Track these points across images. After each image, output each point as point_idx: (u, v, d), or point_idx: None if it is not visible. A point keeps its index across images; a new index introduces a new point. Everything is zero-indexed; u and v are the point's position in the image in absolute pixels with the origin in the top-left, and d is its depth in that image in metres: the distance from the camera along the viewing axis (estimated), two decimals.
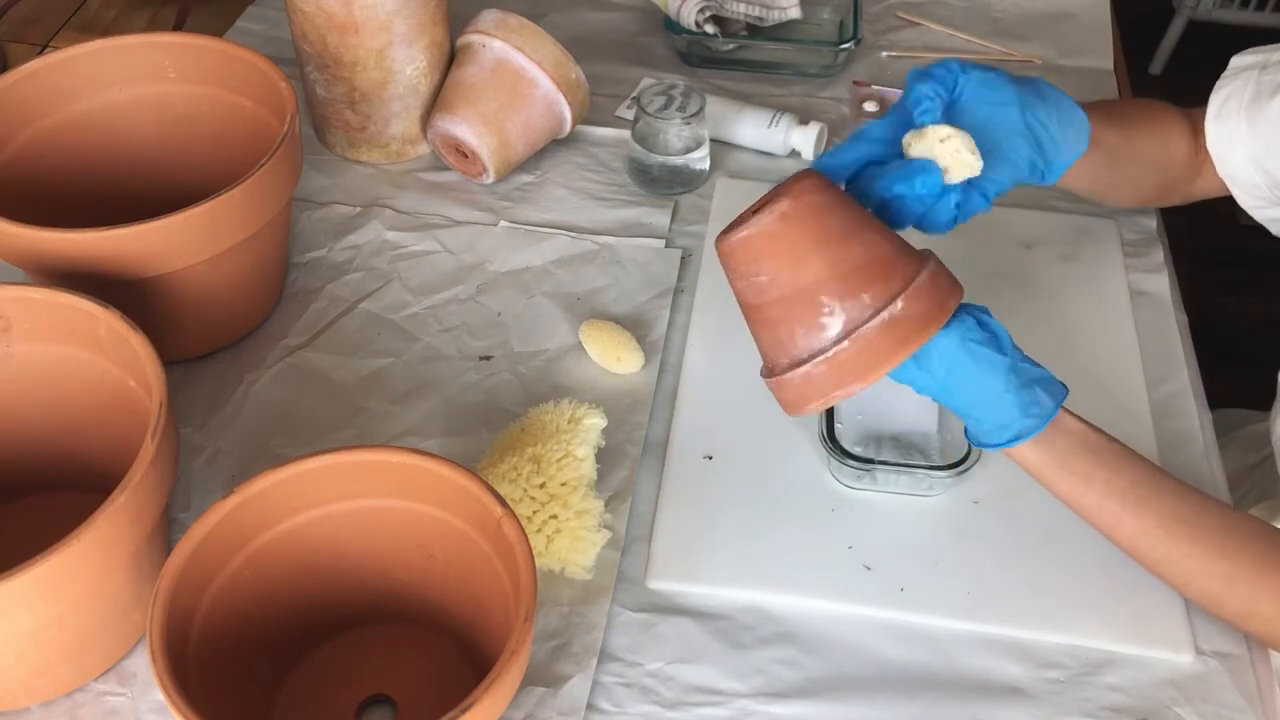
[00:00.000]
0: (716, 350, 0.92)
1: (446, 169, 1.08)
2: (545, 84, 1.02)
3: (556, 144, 1.10)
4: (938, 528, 0.81)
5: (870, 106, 1.13)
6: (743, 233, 0.69)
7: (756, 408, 0.85)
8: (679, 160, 1.04)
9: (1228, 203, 0.92)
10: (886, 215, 0.73)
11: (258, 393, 0.89)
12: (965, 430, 0.73)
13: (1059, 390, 0.71)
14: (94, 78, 0.92)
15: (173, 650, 0.60)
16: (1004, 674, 0.74)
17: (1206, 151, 0.89)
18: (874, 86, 1.16)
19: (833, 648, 0.75)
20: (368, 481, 0.69)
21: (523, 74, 1.02)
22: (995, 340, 0.69)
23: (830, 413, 0.82)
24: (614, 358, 0.89)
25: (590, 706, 0.72)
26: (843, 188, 0.73)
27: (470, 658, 0.71)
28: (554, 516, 0.76)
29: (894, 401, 0.86)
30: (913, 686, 0.73)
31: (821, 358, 0.67)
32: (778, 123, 1.08)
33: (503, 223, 1.03)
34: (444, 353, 0.92)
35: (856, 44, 1.16)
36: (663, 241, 1.01)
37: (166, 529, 0.75)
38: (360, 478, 0.69)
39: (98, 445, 0.78)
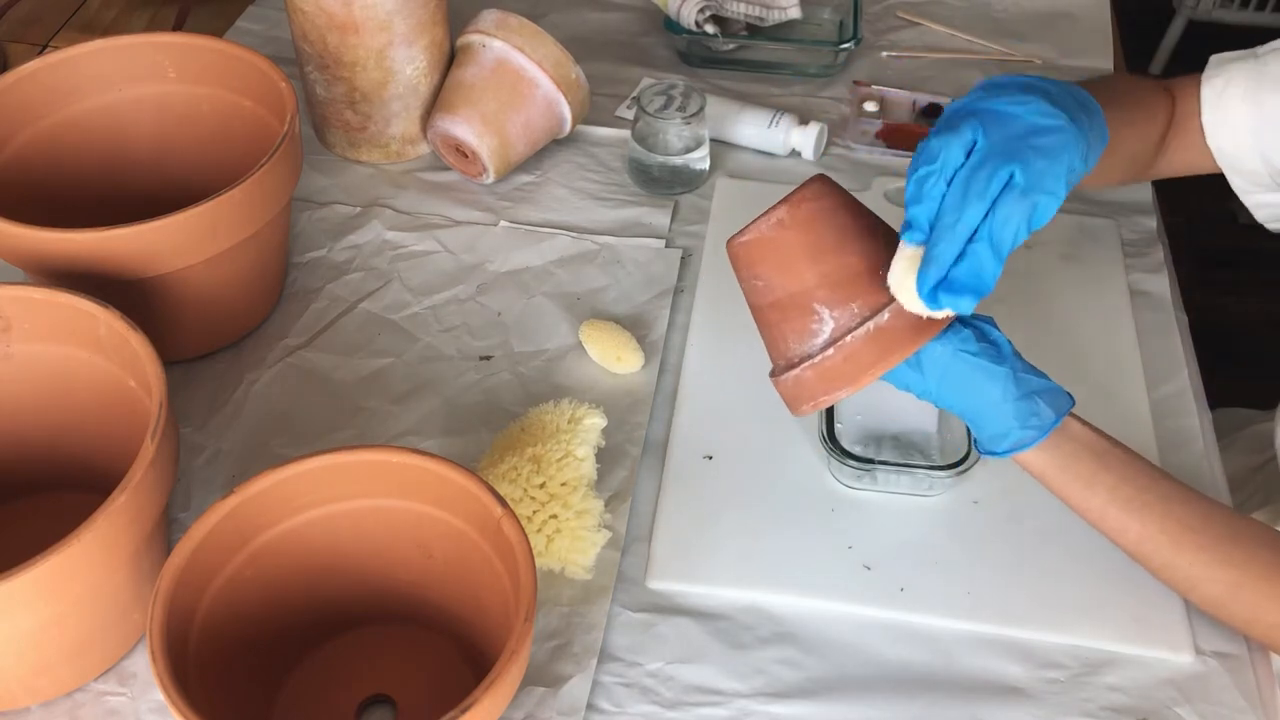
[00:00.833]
0: (716, 350, 0.92)
1: (446, 169, 1.08)
2: (545, 84, 1.02)
3: (556, 144, 1.10)
4: (938, 528, 0.81)
5: (870, 106, 1.13)
6: (743, 237, 0.69)
7: (756, 408, 0.85)
8: (679, 160, 1.04)
9: (1228, 202, 0.92)
10: None
11: (258, 393, 0.89)
12: (973, 439, 0.73)
13: (1063, 402, 0.70)
14: (94, 78, 0.92)
15: (173, 650, 0.60)
16: (1004, 674, 0.74)
17: (1177, 128, 0.87)
18: (874, 86, 1.16)
19: (833, 648, 0.75)
20: (368, 481, 0.69)
21: (523, 74, 1.02)
22: (995, 350, 0.68)
23: (830, 412, 0.82)
24: (614, 358, 0.89)
25: (590, 706, 0.72)
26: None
27: (470, 658, 0.71)
28: (554, 516, 0.76)
29: (894, 401, 0.85)
30: (913, 686, 0.73)
31: (809, 363, 0.68)
32: (778, 123, 1.08)
33: (503, 223, 1.03)
34: (444, 353, 0.92)
35: (856, 44, 1.16)
36: (663, 241, 1.01)
37: (166, 529, 0.75)
38: (360, 478, 0.69)
39: (98, 445, 0.78)
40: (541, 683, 0.72)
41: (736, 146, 1.10)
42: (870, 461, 0.80)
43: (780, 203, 0.68)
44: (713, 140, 1.07)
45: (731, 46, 1.19)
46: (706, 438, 0.86)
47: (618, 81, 1.18)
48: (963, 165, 0.64)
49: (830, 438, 0.81)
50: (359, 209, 1.04)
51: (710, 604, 0.77)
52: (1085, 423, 0.71)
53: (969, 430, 0.79)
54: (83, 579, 0.63)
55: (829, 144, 1.11)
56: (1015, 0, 1.30)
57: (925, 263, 0.63)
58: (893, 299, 0.66)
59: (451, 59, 1.06)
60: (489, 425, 0.86)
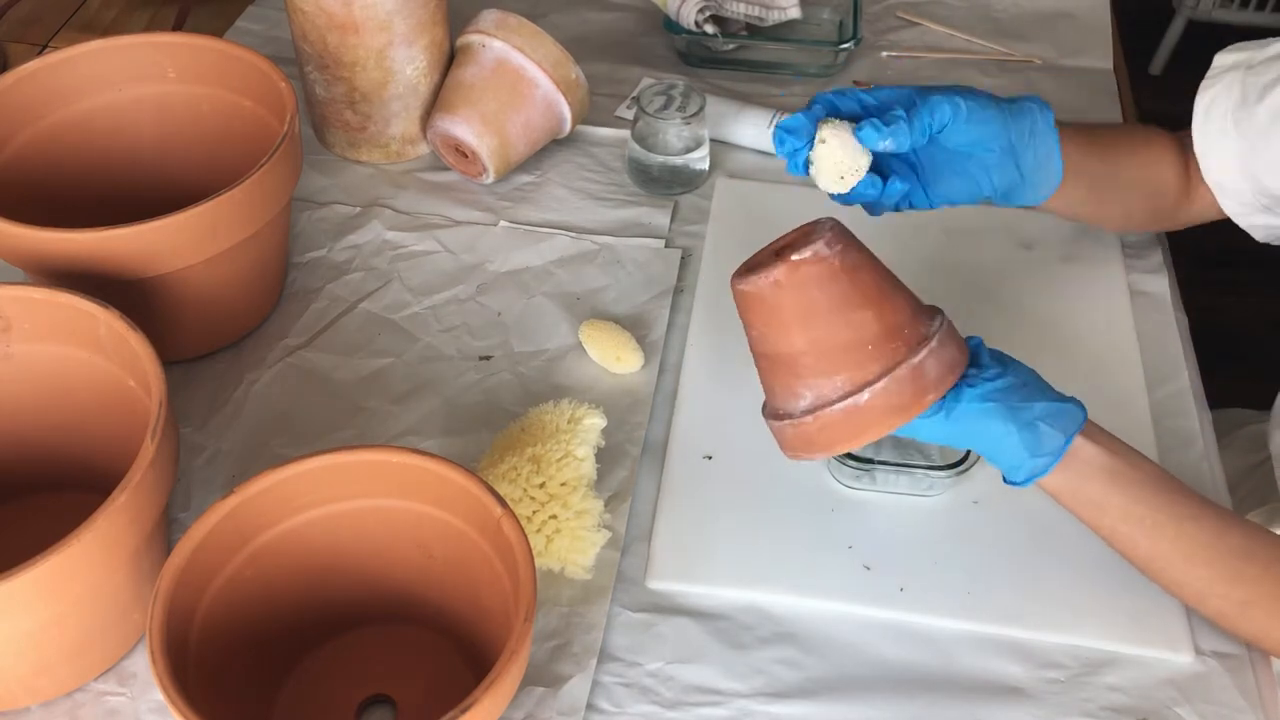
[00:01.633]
0: (716, 350, 0.92)
1: (446, 169, 1.08)
2: (545, 84, 1.02)
3: (556, 144, 1.10)
4: (938, 528, 0.81)
5: None
6: (742, 285, 0.68)
7: (756, 408, 0.85)
8: (679, 160, 1.04)
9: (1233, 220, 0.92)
10: None
11: (258, 393, 0.89)
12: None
13: (1069, 421, 0.69)
14: (94, 78, 0.92)
15: (173, 650, 0.60)
16: (1004, 674, 0.74)
17: (1200, 175, 0.88)
18: (874, 86, 1.16)
19: (833, 648, 0.75)
20: (368, 481, 0.69)
21: (523, 74, 1.02)
22: (991, 391, 0.68)
23: None
24: (614, 358, 0.89)
25: (590, 706, 0.72)
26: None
27: (470, 658, 0.71)
28: (554, 516, 0.76)
29: None
30: (913, 686, 0.73)
31: (789, 422, 0.69)
32: (778, 123, 1.08)
33: (503, 223, 1.03)
34: (444, 353, 0.92)
35: (856, 44, 1.16)
36: (662, 241, 1.01)
37: (166, 529, 0.76)
38: (360, 478, 0.69)
39: (98, 445, 0.78)
40: (541, 683, 0.72)
41: (736, 146, 1.10)
42: (870, 461, 0.80)
43: (780, 260, 0.67)
44: (713, 140, 1.07)
45: (731, 46, 1.19)
46: (706, 438, 0.86)
47: (618, 81, 1.18)
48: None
49: None
50: (359, 209, 1.04)
51: (710, 604, 0.77)
52: (1099, 439, 0.70)
53: None
54: (83, 579, 0.63)
55: None
56: (1015, 0, 1.30)
57: (861, 126, 0.73)
58: (877, 377, 0.66)
59: (451, 59, 1.06)
60: (489, 425, 0.86)
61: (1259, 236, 0.90)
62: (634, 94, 1.15)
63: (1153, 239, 1.02)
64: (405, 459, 0.67)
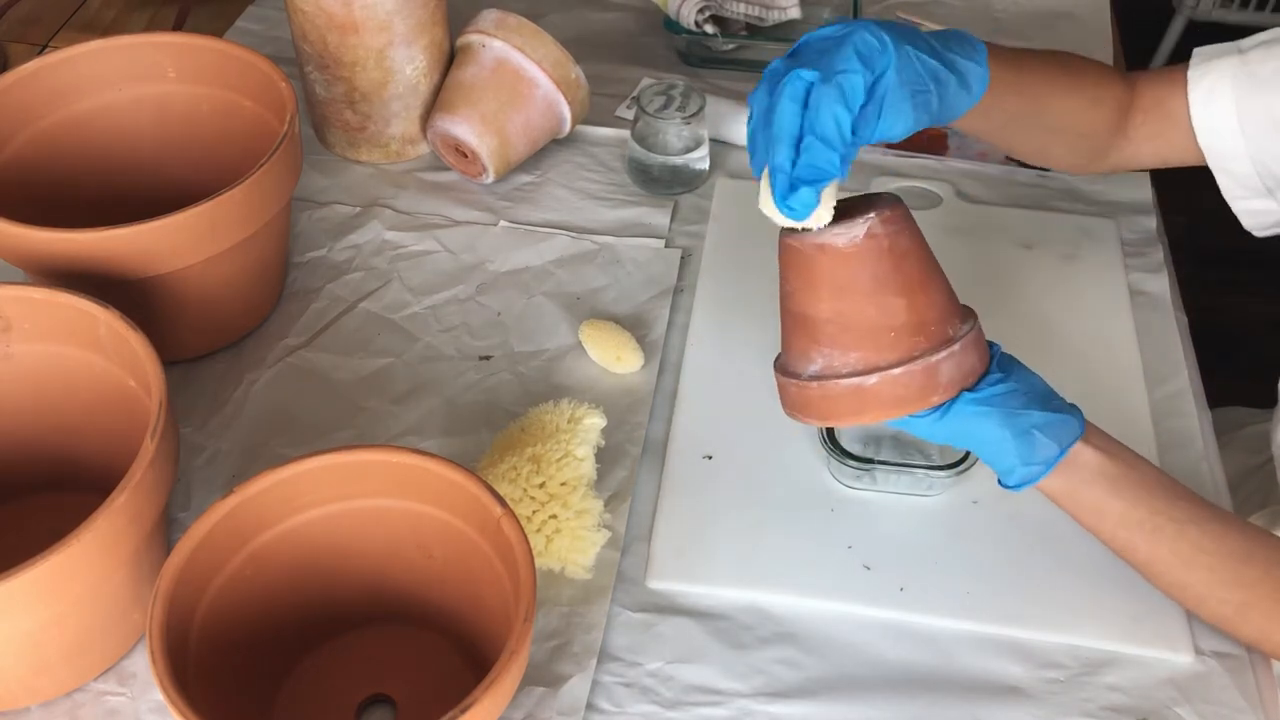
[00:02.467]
0: (716, 350, 0.92)
1: (446, 169, 1.08)
2: (545, 84, 1.02)
3: (556, 144, 1.10)
4: (938, 528, 0.81)
5: None
6: (789, 239, 0.68)
7: (756, 408, 0.85)
8: (679, 160, 1.04)
9: (1227, 202, 0.92)
10: None
11: (258, 393, 0.89)
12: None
13: (1066, 433, 0.69)
14: (94, 78, 0.92)
15: (173, 650, 0.60)
16: (1004, 674, 0.74)
17: (1140, 120, 0.86)
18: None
19: (833, 648, 0.75)
20: (368, 481, 0.69)
21: (523, 74, 1.02)
22: (990, 396, 0.68)
23: None
24: (614, 358, 0.89)
25: (590, 706, 0.72)
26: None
27: (470, 658, 0.71)
28: (554, 516, 0.76)
29: None
30: (913, 686, 0.73)
31: (794, 381, 0.69)
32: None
33: (503, 223, 1.03)
34: (444, 353, 0.92)
35: None
36: (662, 241, 1.01)
37: (166, 529, 0.76)
38: (360, 478, 0.69)
39: (98, 445, 0.78)
40: (541, 683, 0.72)
41: (736, 146, 1.10)
42: (869, 461, 0.80)
43: (843, 218, 0.65)
44: (713, 140, 1.07)
45: (731, 46, 1.19)
46: (706, 438, 0.86)
47: (618, 81, 1.18)
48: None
49: (830, 437, 0.81)
50: (359, 209, 1.04)
51: (710, 604, 0.77)
52: (1098, 443, 0.70)
53: None
54: (82, 579, 0.63)
55: None
56: (1015, 0, 1.30)
57: (770, 176, 0.64)
58: (890, 365, 0.66)
59: (451, 59, 1.06)
60: (489, 425, 0.86)
61: (1247, 223, 0.88)
62: (634, 94, 1.15)
63: (1153, 238, 1.02)
64: (405, 459, 0.67)
